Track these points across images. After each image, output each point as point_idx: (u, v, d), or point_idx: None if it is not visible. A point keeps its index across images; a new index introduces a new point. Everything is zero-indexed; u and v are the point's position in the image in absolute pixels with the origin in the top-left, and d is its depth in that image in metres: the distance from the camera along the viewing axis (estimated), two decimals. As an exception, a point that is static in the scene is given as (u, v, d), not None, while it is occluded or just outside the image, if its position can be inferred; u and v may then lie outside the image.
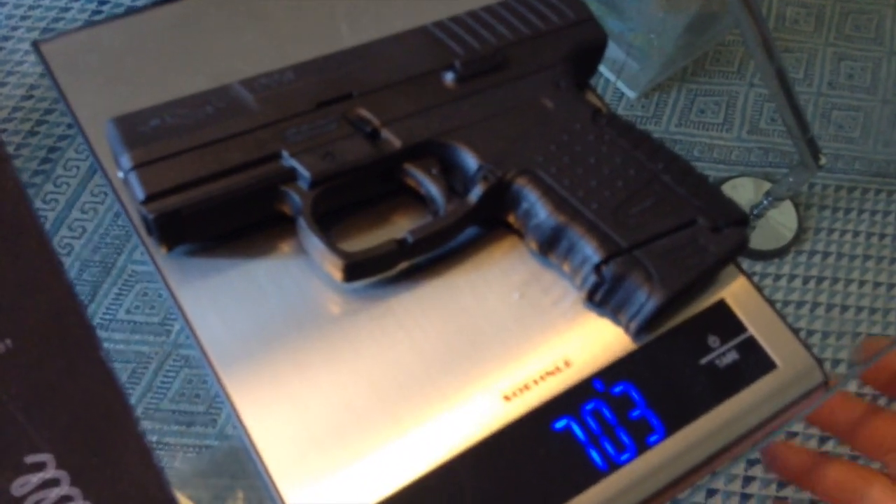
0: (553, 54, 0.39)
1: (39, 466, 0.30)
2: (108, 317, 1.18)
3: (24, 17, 1.43)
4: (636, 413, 0.34)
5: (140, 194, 0.32)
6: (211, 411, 1.13)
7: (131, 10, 0.41)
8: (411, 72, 0.37)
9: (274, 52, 0.40)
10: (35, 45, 0.39)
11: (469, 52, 0.38)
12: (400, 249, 0.34)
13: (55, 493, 0.30)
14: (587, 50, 0.40)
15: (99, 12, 1.45)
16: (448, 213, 0.35)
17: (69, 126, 1.31)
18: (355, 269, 0.34)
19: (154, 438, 1.10)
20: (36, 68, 1.36)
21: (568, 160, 0.35)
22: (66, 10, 1.44)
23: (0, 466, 0.30)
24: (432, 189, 0.36)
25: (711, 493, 1.10)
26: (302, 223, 0.34)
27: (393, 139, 0.35)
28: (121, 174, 0.34)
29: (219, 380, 0.33)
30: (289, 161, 0.34)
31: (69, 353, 0.33)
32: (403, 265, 0.36)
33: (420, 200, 0.37)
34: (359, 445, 0.32)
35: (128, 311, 1.19)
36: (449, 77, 0.37)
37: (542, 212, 0.35)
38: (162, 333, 1.18)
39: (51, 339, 0.33)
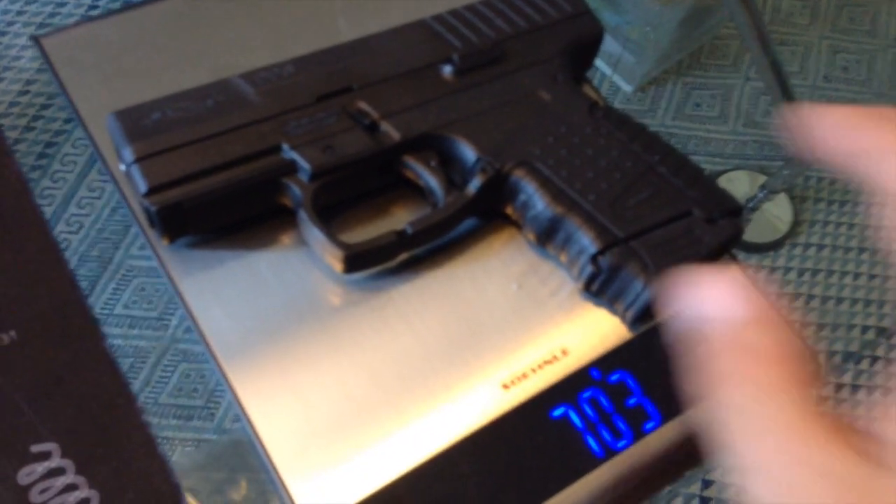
0: (550, 48, 0.40)
1: (45, 455, 0.31)
2: (105, 311, 1.18)
3: (20, 13, 1.42)
4: (632, 401, 0.34)
5: (142, 187, 0.33)
6: (209, 405, 1.14)
7: (130, 5, 0.41)
8: (410, 65, 0.38)
9: (272, 46, 0.41)
10: (35, 39, 0.39)
11: (467, 46, 0.38)
12: (400, 240, 0.35)
13: (61, 481, 0.30)
14: (584, 43, 0.41)
15: (95, 7, 1.45)
16: (447, 205, 0.35)
17: (66, 121, 1.31)
18: (355, 260, 0.34)
19: (153, 432, 1.10)
20: (33, 63, 1.37)
21: (565, 152, 0.36)
22: (63, 4, 1.44)
23: (6, 455, 0.30)
24: (431, 181, 0.36)
25: (707, 483, 1.11)
26: (303, 215, 0.34)
27: (392, 132, 0.36)
28: (123, 167, 0.34)
29: (222, 371, 0.33)
30: (289, 154, 0.34)
31: (73, 345, 0.33)
32: (403, 256, 0.36)
33: (419, 193, 0.37)
34: (361, 434, 0.32)
35: (125, 306, 1.19)
36: (447, 70, 0.38)
37: (539, 203, 0.35)
38: (160, 328, 1.18)
39: (55, 330, 0.33)
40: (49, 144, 1.30)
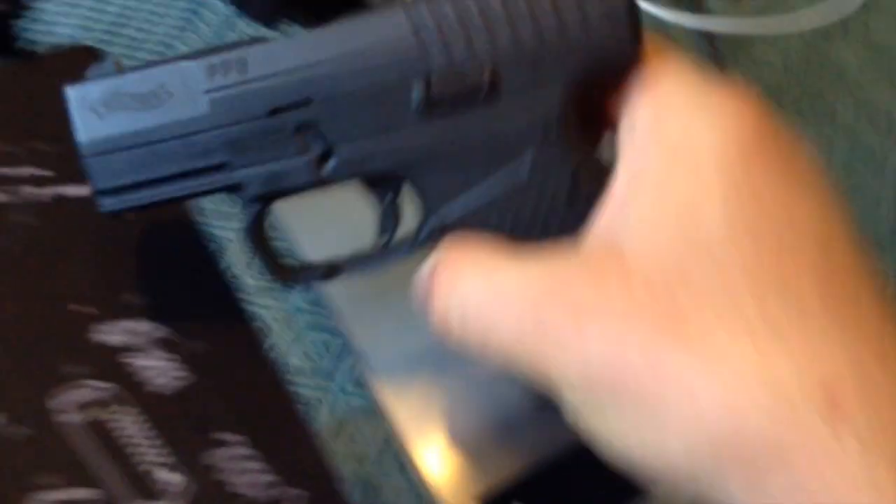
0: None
1: (226, 442, 0.38)
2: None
3: None
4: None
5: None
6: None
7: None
8: (377, 85, 0.33)
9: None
10: None
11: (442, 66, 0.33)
12: (329, 272, 0.35)
13: (243, 465, 0.37)
14: None
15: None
16: (379, 247, 0.35)
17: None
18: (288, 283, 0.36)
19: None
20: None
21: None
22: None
23: (192, 443, 0.38)
24: (382, 219, 0.35)
25: None
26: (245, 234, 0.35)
27: (343, 168, 0.33)
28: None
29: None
30: (235, 176, 0.34)
31: (243, 352, 0.41)
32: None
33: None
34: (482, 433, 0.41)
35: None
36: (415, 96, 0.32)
37: None
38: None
39: (231, 343, 0.42)
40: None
